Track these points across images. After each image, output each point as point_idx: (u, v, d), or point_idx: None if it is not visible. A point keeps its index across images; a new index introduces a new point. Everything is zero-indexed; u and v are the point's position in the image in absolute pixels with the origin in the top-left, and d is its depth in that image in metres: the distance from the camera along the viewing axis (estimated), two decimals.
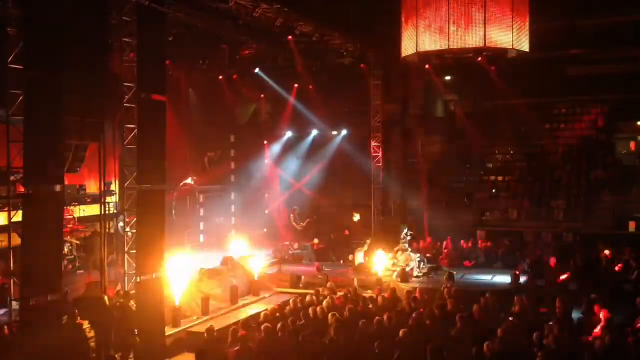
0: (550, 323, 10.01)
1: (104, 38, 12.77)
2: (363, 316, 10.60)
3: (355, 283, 15.52)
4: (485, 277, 16.47)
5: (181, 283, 13.08)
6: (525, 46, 12.30)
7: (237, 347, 9.28)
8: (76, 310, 11.19)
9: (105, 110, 14.28)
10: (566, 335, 9.30)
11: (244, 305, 14.61)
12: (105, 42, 12.52)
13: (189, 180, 20.66)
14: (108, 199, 14.84)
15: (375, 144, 20.37)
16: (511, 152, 23.92)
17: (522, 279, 15.59)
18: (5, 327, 10.25)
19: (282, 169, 24.26)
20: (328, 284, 14.27)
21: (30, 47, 9.59)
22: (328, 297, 12.49)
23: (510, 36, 11.83)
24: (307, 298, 12.50)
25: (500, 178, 22.89)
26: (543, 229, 20.00)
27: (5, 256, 10.81)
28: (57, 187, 9.85)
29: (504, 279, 15.85)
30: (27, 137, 9.53)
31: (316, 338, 9.62)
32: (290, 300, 12.58)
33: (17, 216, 10.11)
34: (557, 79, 22.89)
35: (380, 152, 20.39)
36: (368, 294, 13.52)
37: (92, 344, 10.75)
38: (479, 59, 13.16)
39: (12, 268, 10.36)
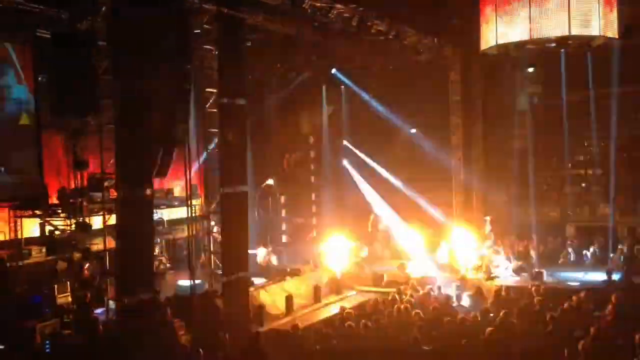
0: None
1: (187, 47, 13.22)
2: (447, 314, 10.44)
3: (438, 281, 15.29)
4: (576, 275, 15.81)
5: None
6: (614, 32, 11.67)
7: (321, 345, 9.37)
8: (168, 309, 11.64)
9: (189, 116, 14.76)
10: None
11: (327, 304, 14.72)
12: (188, 50, 12.98)
13: (270, 182, 21.01)
14: (194, 202, 15.35)
15: (455, 140, 19.98)
16: (602, 143, 22.74)
17: (617, 276, 14.87)
18: (100, 325, 10.81)
19: (361, 169, 24.14)
20: (410, 283, 14.15)
21: (119, 58, 10.09)
22: (410, 295, 12.40)
23: (597, 22, 11.25)
24: (390, 296, 12.45)
25: (590, 171, 21.86)
26: (638, 224, 18.94)
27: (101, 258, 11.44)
28: (148, 191, 10.31)
29: (597, 276, 15.16)
30: (118, 144, 10.03)
31: (400, 336, 9.56)
32: (373, 299, 12.58)
33: (111, 220, 10.68)
34: None
35: (461, 148, 19.98)
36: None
37: (183, 341, 11.15)
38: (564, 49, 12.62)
39: (107, 269, 10.96)
